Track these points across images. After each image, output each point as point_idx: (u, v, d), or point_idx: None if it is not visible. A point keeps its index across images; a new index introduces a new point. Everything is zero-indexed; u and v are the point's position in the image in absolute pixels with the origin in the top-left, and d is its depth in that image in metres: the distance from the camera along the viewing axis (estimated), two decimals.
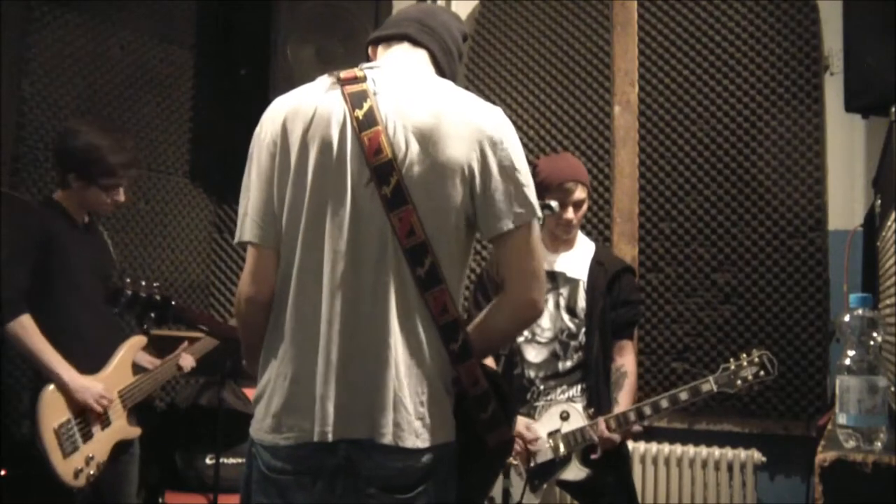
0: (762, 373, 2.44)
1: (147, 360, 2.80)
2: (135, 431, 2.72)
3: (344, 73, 1.60)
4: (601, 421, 2.52)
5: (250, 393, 3.47)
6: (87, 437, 2.55)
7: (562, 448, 2.56)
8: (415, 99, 1.57)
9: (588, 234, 3.65)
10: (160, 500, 3.25)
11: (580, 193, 2.73)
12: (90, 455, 2.54)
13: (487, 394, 1.54)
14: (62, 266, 2.58)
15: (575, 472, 2.57)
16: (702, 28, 3.52)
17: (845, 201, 3.26)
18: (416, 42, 1.69)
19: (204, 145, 3.92)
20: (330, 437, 1.47)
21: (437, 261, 1.50)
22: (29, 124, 3.39)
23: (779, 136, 3.36)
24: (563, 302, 2.72)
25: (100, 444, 2.59)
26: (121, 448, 2.67)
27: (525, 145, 3.76)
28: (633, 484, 2.83)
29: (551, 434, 2.58)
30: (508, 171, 1.56)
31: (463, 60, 1.78)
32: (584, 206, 2.77)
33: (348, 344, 1.49)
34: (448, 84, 1.65)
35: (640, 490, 3.36)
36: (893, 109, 1.85)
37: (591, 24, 3.74)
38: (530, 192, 1.57)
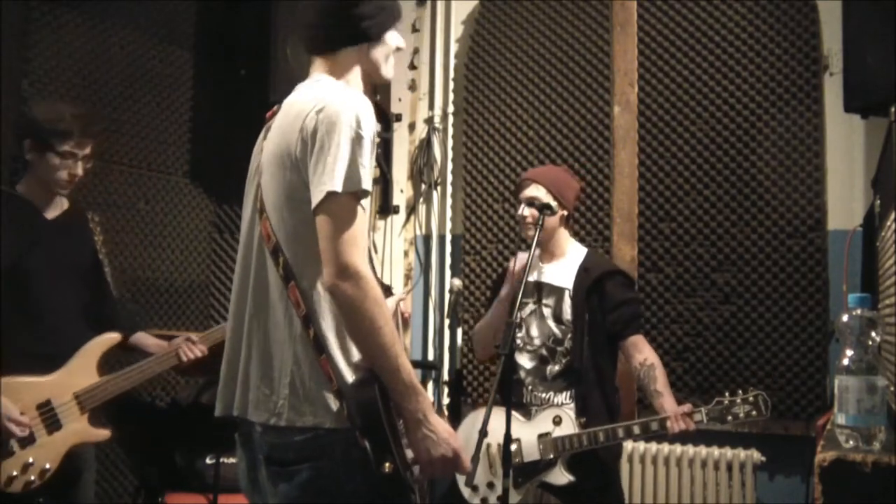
0: (754, 412, 2.49)
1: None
2: (99, 434, 2.55)
3: (271, 112, 1.80)
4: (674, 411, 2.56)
5: None
6: (25, 441, 2.38)
7: (550, 452, 2.59)
8: (282, 113, 1.70)
9: (588, 234, 3.67)
10: (160, 500, 3.25)
11: (533, 191, 2.73)
12: (29, 460, 2.37)
13: (339, 393, 1.57)
14: (16, 271, 2.46)
15: (558, 476, 2.60)
16: (701, 28, 3.52)
17: (845, 201, 3.26)
18: (313, 51, 1.79)
19: (204, 145, 3.91)
20: (218, 413, 1.73)
21: (287, 260, 1.61)
22: None
23: (778, 137, 3.36)
24: (547, 311, 2.76)
25: (45, 450, 2.41)
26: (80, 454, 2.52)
27: (525, 146, 3.82)
28: (620, 490, 2.84)
29: (542, 436, 2.61)
30: (322, 150, 1.56)
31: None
32: (544, 209, 2.64)
33: (236, 334, 1.71)
34: (317, 86, 1.69)
35: (640, 490, 3.37)
36: (893, 109, 1.85)
37: (590, 24, 3.74)
38: (339, 166, 1.54)
